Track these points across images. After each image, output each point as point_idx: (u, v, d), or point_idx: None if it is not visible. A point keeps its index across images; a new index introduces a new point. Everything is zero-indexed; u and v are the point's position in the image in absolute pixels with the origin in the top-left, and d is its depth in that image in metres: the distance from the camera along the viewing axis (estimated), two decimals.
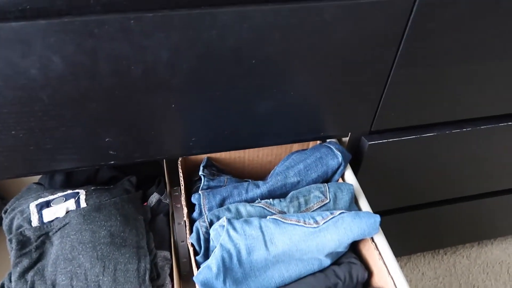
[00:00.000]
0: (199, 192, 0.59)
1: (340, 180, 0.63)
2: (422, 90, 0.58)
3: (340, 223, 0.52)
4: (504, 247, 1.11)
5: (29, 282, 0.50)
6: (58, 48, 0.43)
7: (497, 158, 0.75)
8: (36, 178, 0.70)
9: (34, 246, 0.53)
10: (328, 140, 0.65)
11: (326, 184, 0.59)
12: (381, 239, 0.54)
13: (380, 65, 0.54)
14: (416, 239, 0.99)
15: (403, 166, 0.71)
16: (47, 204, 0.57)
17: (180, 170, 0.63)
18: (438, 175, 0.77)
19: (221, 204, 0.58)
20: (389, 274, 0.52)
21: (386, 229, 0.58)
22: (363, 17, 0.47)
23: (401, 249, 1.01)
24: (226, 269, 0.49)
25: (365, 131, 0.63)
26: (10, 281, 0.52)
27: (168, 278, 0.56)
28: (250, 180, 0.63)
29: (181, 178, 0.62)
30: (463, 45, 0.54)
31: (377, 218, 0.53)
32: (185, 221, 0.58)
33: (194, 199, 0.58)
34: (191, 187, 0.65)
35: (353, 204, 0.59)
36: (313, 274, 0.54)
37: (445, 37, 0.53)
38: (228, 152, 0.67)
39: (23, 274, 0.51)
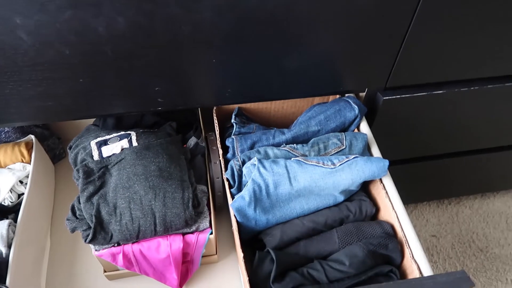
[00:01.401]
0: (232, 136, 0.69)
1: (356, 131, 0.72)
2: (434, 50, 0.65)
3: (354, 165, 0.61)
4: (505, 200, 1.20)
5: (95, 204, 0.62)
6: (122, 10, 0.51)
7: (502, 115, 0.82)
8: (89, 121, 0.80)
9: (97, 176, 0.64)
10: (346, 95, 0.73)
11: (343, 133, 0.67)
12: (388, 181, 0.64)
13: (397, 26, 0.60)
14: (423, 188, 1.08)
15: (413, 120, 0.79)
16: (105, 142, 0.68)
17: (215, 118, 0.73)
18: (446, 130, 0.84)
19: (251, 147, 0.67)
20: (393, 209, 0.61)
21: (395, 178, 0.66)
22: None
23: (408, 198, 1.10)
24: (256, 199, 0.60)
25: (381, 87, 0.71)
26: (79, 202, 0.63)
27: (206, 207, 0.67)
28: (276, 128, 0.72)
29: (216, 125, 0.72)
30: (474, 9, 0.59)
31: (386, 162, 0.62)
32: (220, 160, 0.68)
33: (228, 142, 0.68)
34: (224, 133, 0.74)
35: (366, 151, 0.68)
36: (329, 207, 0.64)
37: (459, 1, 0.58)
38: (257, 103, 0.75)
39: (89, 198, 0.63)
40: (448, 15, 0.59)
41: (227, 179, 0.64)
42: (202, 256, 0.68)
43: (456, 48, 0.65)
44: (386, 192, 0.63)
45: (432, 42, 0.63)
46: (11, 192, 0.71)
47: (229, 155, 0.68)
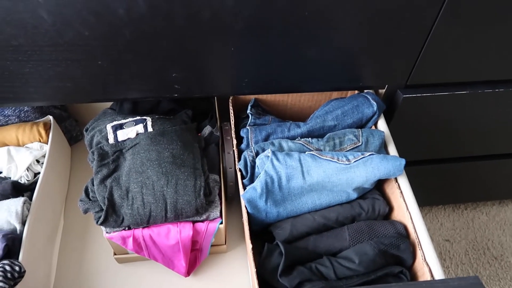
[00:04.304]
0: (247, 127, 0.68)
1: (373, 128, 0.70)
2: (460, 48, 0.63)
3: (369, 162, 0.59)
4: None
5: (108, 187, 0.62)
6: None
7: None
8: (106, 105, 0.81)
9: (111, 159, 0.65)
10: (365, 91, 0.72)
11: (360, 129, 0.66)
12: (404, 181, 0.62)
13: (422, 21, 0.58)
14: (439, 192, 1.05)
15: (434, 120, 0.76)
16: (121, 126, 0.68)
17: (231, 107, 0.72)
18: (467, 132, 0.82)
19: (266, 139, 0.66)
20: (407, 209, 0.60)
21: (411, 179, 0.64)
22: None
23: (423, 200, 1.07)
24: (268, 191, 0.59)
25: (401, 85, 0.69)
26: (93, 184, 0.64)
27: (217, 197, 0.67)
28: (291, 121, 0.71)
29: (232, 114, 0.71)
30: (503, 5, 0.57)
31: (403, 161, 0.60)
32: (233, 150, 0.68)
33: (242, 133, 0.67)
34: (239, 123, 0.74)
35: (383, 149, 0.66)
36: (341, 204, 0.63)
37: None
38: (273, 94, 0.74)
39: (103, 181, 0.63)
40: (476, 11, 0.57)
41: (240, 170, 0.64)
42: (211, 246, 0.68)
43: (482, 47, 0.63)
44: (401, 192, 0.62)
45: (458, 39, 0.61)
46: (27, 171, 0.72)
47: (243, 145, 0.67)
